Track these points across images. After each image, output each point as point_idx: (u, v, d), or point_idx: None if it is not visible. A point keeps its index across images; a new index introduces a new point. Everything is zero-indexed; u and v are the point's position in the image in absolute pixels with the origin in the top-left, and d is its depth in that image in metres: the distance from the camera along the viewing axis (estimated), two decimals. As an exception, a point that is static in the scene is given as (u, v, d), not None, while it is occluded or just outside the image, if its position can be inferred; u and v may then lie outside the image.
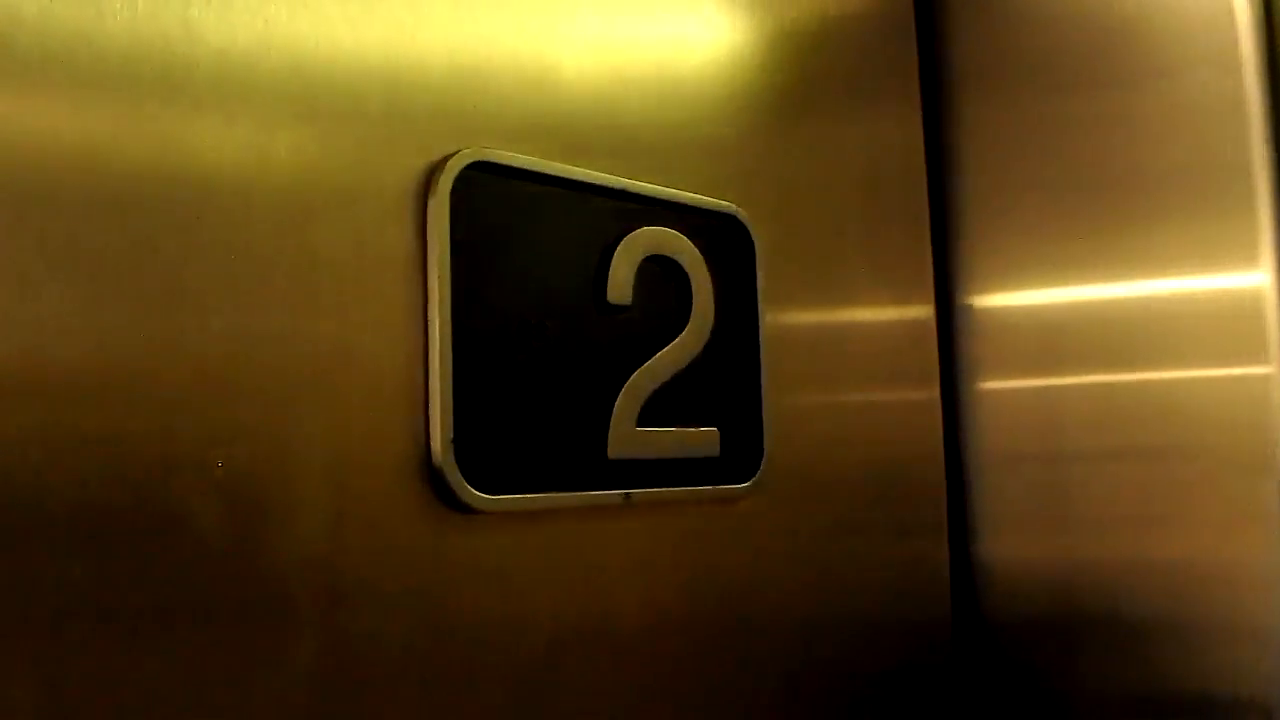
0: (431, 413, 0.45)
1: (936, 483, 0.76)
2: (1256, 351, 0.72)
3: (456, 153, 0.47)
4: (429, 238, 0.46)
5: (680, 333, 0.55)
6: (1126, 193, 0.77)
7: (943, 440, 0.77)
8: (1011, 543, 0.80)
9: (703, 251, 0.56)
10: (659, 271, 0.54)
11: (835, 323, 0.70)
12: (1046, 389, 0.80)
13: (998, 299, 0.83)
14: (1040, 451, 0.80)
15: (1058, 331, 0.80)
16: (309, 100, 0.44)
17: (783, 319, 0.62)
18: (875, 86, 0.76)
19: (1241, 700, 0.71)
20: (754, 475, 0.58)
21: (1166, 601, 0.75)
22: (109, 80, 0.39)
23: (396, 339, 0.45)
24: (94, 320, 0.38)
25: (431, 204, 0.46)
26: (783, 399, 0.61)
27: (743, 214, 0.58)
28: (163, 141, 0.40)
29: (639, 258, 0.53)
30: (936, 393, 0.77)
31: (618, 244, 0.52)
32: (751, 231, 0.59)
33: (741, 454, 0.58)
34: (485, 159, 0.48)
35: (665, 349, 0.54)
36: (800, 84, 0.67)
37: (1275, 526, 0.71)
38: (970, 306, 0.83)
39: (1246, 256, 0.73)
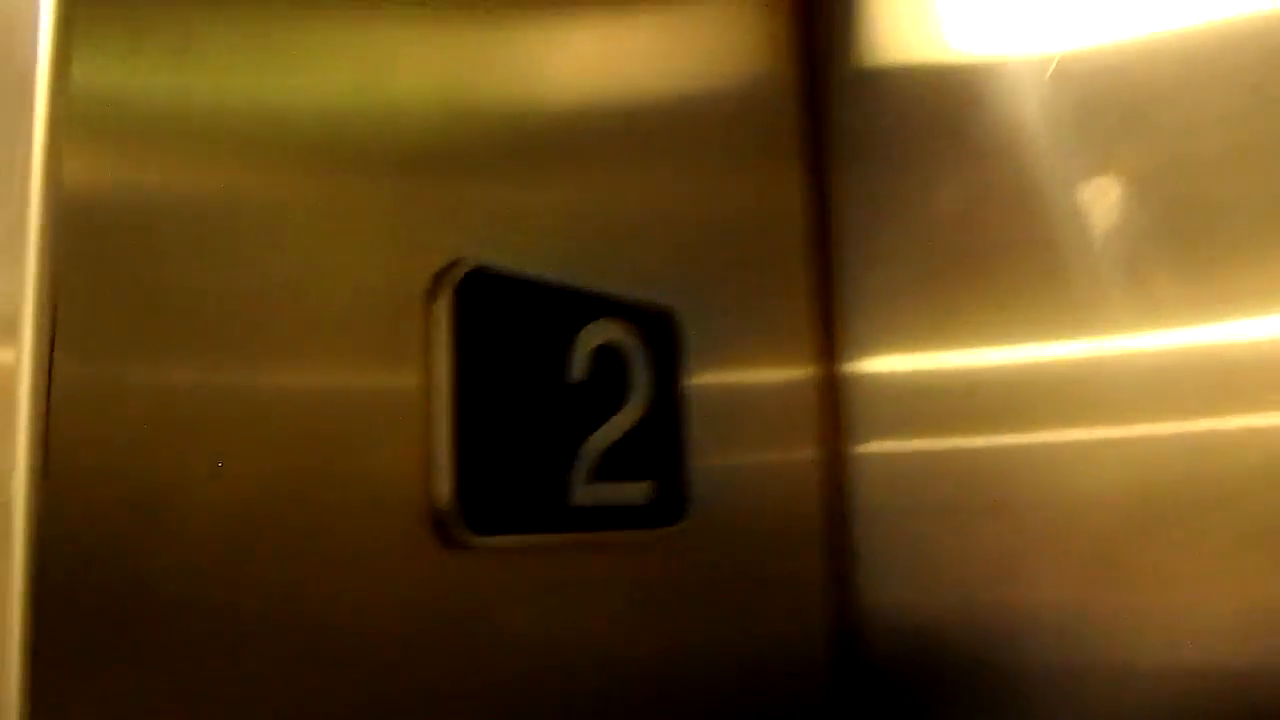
0: (438, 468, 0.57)
1: (819, 536, 0.85)
2: (1089, 413, 0.78)
3: (458, 261, 0.60)
4: (435, 330, 0.58)
5: (624, 405, 0.68)
6: (988, 264, 0.83)
7: (827, 496, 0.86)
8: (891, 595, 0.86)
9: (644, 340, 0.69)
10: (609, 356, 0.67)
11: (735, 387, 0.80)
12: (918, 450, 0.85)
13: (874, 364, 0.88)
14: (913, 509, 0.85)
15: (927, 396, 0.85)
16: (356, 210, 0.56)
17: (699, 387, 0.75)
18: (764, 162, 0.85)
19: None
20: (679, 521, 0.71)
21: (1031, 649, 0.80)
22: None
23: (411, 409, 0.57)
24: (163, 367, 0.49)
25: (439, 304, 0.58)
26: (699, 458, 0.74)
27: (676, 311, 0.72)
28: (234, 193, 0.52)
29: (594, 345, 0.66)
30: (821, 452, 0.87)
31: (578, 334, 0.65)
32: (681, 325, 0.72)
33: (670, 503, 0.71)
34: (480, 266, 0.60)
35: (614, 417, 0.67)
36: (703, 167, 0.78)
37: (1129, 575, 0.77)
38: (850, 372, 0.88)
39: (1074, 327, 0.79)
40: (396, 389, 0.57)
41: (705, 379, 0.76)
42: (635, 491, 0.68)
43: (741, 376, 0.81)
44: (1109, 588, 0.78)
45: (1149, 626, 0.76)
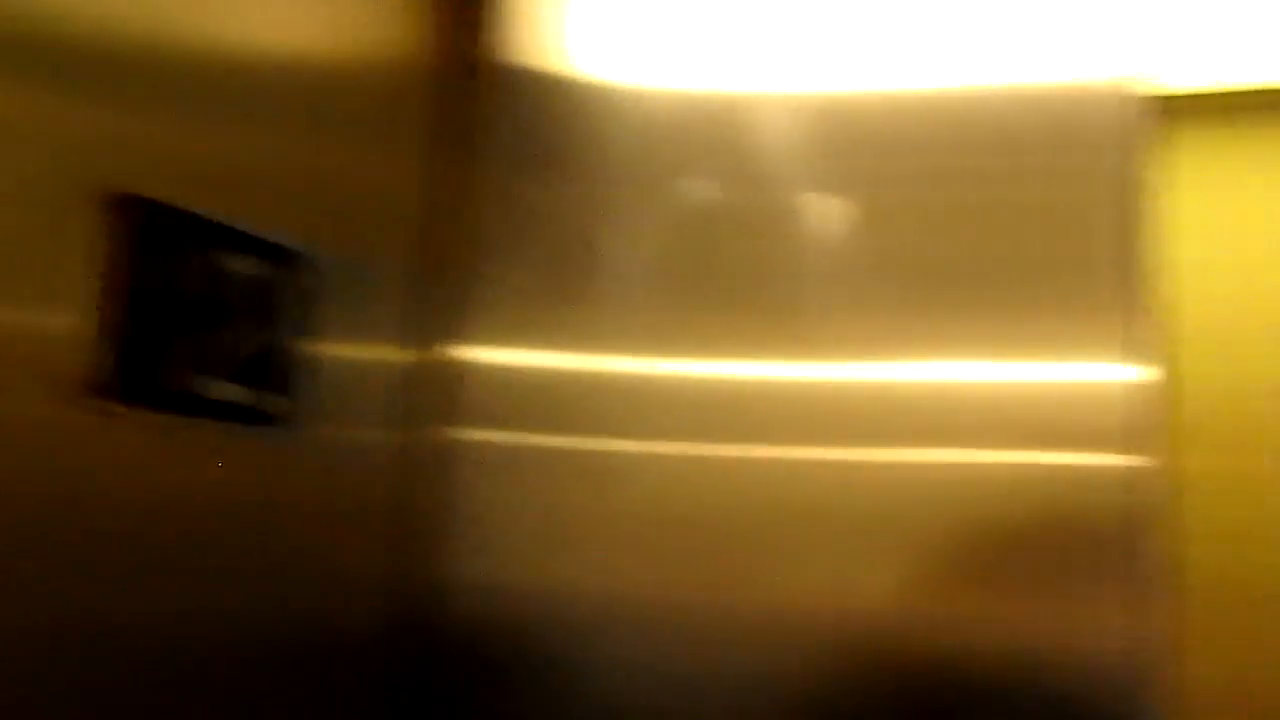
0: (98, 354, 0.71)
1: (395, 512, 0.92)
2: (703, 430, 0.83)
3: (123, 191, 0.73)
4: (102, 242, 0.72)
5: (248, 321, 0.84)
6: (600, 276, 0.87)
7: (414, 475, 0.92)
8: (473, 579, 0.89)
9: (272, 268, 0.85)
10: (241, 279, 0.83)
11: (341, 358, 0.90)
12: (524, 443, 0.89)
13: (487, 355, 0.90)
14: (509, 498, 0.89)
15: (539, 391, 0.88)
16: (41, 123, 0.68)
17: (307, 351, 0.88)
18: (394, 144, 0.91)
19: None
20: (283, 426, 0.87)
21: (609, 641, 0.84)
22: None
23: (76, 306, 0.70)
24: None
25: (104, 221, 0.72)
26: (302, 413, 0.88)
27: (306, 251, 0.87)
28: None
29: (226, 266, 0.82)
30: (413, 433, 0.93)
31: (210, 256, 0.81)
32: (307, 263, 0.88)
33: (277, 410, 0.87)
34: (141, 195, 0.74)
35: (234, 329, 0.83)
36: (339, 138, 0.90)
37: (719, 580, 0.81)
38: (459, 360, 0.91)
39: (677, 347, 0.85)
40: (76, 289, 0.70)
41: (314, 345, 0.85)
42: (244, 393, 0.84)
43: (345, 350, 0.89)
44: (692, 590, 0.82)
45: (734, 626, 0.81)
